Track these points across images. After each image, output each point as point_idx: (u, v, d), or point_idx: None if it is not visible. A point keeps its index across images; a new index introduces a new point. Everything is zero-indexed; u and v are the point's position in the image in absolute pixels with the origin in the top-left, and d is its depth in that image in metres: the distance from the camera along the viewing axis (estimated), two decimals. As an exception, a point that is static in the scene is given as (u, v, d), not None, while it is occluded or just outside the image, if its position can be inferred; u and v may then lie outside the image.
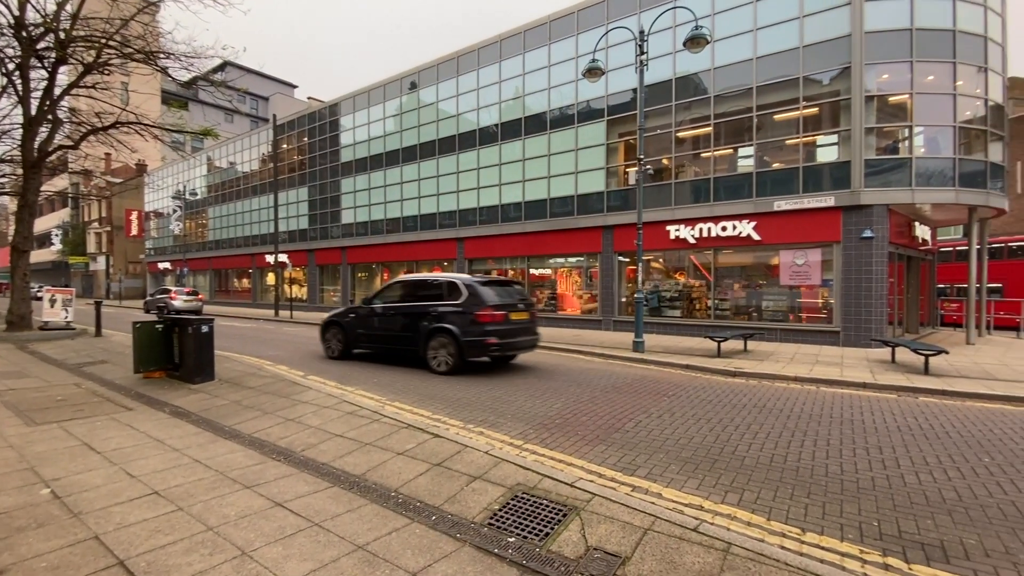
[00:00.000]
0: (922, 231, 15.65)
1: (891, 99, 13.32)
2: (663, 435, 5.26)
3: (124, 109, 14.05)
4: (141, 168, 44.69)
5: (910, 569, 2.79)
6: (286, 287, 31.00)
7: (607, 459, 4.54)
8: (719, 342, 11.26)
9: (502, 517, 3.30)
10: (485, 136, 21.16)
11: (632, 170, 16.85)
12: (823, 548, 3.00)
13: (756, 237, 14.49)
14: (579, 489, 3.63)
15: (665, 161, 16.71)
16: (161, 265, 42.67)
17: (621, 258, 17.61)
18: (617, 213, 17.28)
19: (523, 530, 3.12)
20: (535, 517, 3.27)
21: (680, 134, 16.34)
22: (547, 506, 3.41)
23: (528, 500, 3.51)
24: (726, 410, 6.39)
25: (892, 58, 12.89)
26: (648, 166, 16.78)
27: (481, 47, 21.23)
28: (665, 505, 3.53)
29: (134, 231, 45.90)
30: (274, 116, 27.59)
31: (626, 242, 16.78)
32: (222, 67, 41.77)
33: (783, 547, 2.97)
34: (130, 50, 12.52)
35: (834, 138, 13.70)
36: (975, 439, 5.22)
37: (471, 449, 4.47)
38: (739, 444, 4.97)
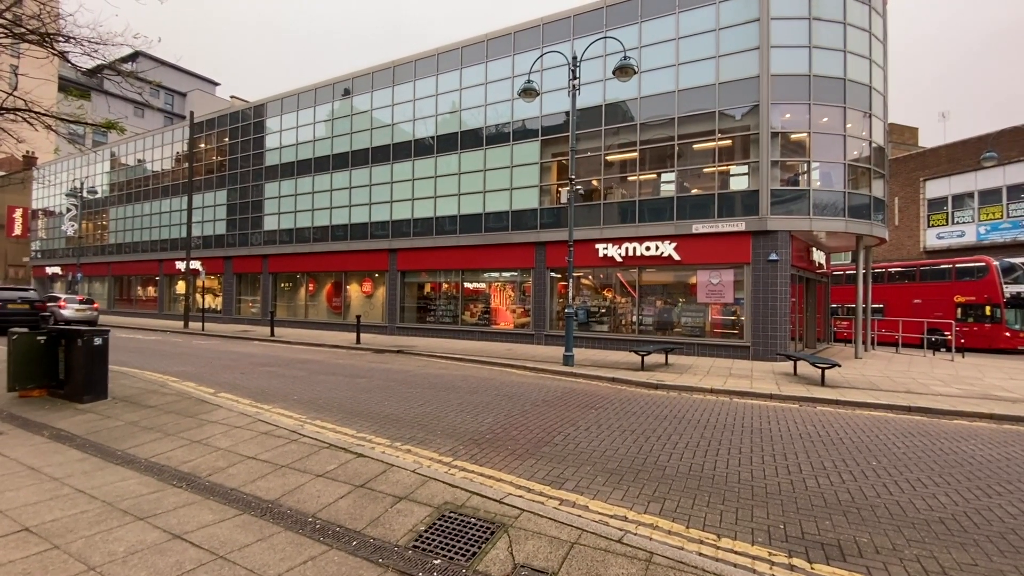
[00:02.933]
0: (818, 256, 17.37)
1: (793, 136, 14.76)
2: (590, 447, 5.37)
3: (11, 94, 12.48)
4: (29, 161, 39.81)
5: (812, 568, 3.01)
6: (199, 296, 28.65)
7: (536, 473, 4.55)
8: (643, 356, 11.75)
9: (428, 538, 3.19)
10: (421, 148, 20.97)
11: (564, 189, 17.34)
12: (736, 552, 3.16)
13: (677, 257, 15.38)
14: (508, 505, 3.59)
15: (595, 182, 17.38)
16: (50, 270, 38.02)
17: (553, 274, 17.98)
18: (550, 230, 17.68)
19: (450, 551, 3.03)
20: (463, 536, 3.19)
21: (609, 157, 17.10)
22: (475, 524, 3.34)
23: (456, 519, 3.42)
24: (649, 421, 6.65)
25: (794, 100, 14.33)
26: (579, 186, 17.40)
27: (418, 59, 21.14)
28: (592, 517, 3.58)
29: (17, 230, 40.65)
30: (191, 113, 25.74)
31: (558, 258, 17.18)
32: (133, 57, 38.50)
33: (701, 554, 3.10)
34: (22, 30, 11.18)
35: (745, 168, 14.94)
36: (864, 444, 5.79)
37: (398, 468, 4.31)
38: (661, 454, 5.17)
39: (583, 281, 17.99)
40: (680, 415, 7.13)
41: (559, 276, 17.85)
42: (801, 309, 16.62)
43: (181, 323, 24.66)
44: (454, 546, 3.08)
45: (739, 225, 14.46)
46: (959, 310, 20.02)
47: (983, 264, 20.00)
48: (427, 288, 21.62)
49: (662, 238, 15.68)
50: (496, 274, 19.71)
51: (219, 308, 28.29)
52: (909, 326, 19.36)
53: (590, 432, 6.00)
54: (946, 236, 27.03)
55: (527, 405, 7.54)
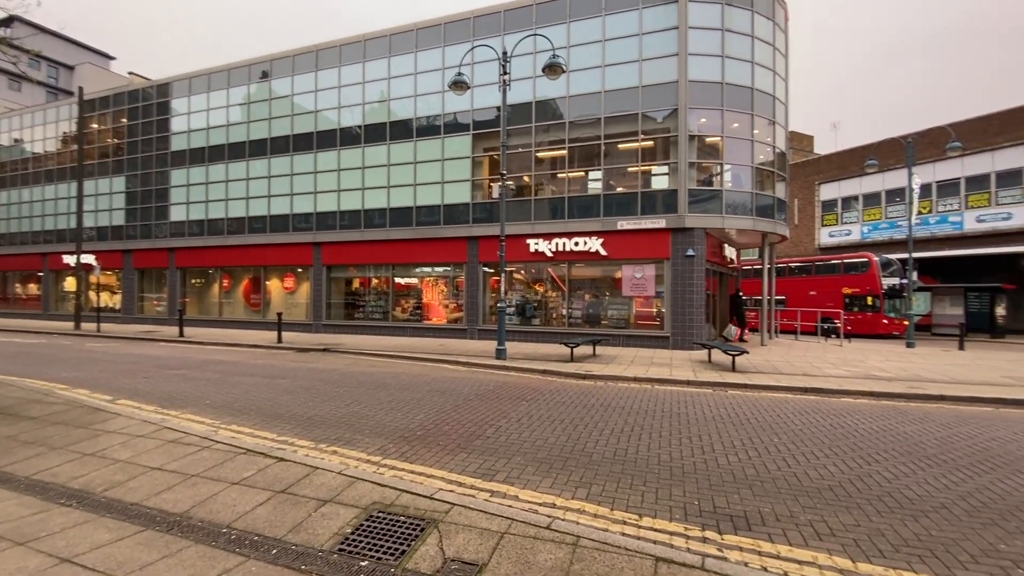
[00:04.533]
0: (730, 252, 18.75)
1: (708, 140, 15.78)
2: (521, 438, 5.46)
3: None
4: None
5: (723, 539, 3.26)
6: (93, 294, 25.75)
7: (468, 467, 4.56)
8: (572, 348, 12.10)
9: (355, 540, 3.10)
10: (348, 137, 20.15)
11: (496, 184, 17.42)
12: (656, 530, 3.36)
13: (603, 252, 15.97)
14: (438, 501, 3.57)
15: (526, 178, 17.60)
16: None
17: (486, 268, 18.02)
18: (482, 225, 17.68)
19: (378, 551, 2.96)
20: (391, 536, 3.13)
21: (540, 154, 17.37)
22: (405, 522, 3.29)
23: (384, 519, 3.35)
24: (577, 410, 6.88)
25: (709, 105, 15.30)
26: (511, 182, 17.54)
27: (343, 44, 20.27)
28: (522, 507, 3.65)
29: None
30: (80, 89, 22.99)
31: (490, 253, 17.23)
32: (7, 22, 33.85)
33: (624, 534, 3.26)
34: None
35: (665, 169, 15.77)
36: (768, 423, 6.35)
37: (322, 471, 4.14)
38: (588, 441, 5.37)
39: (516, 276, 18.19)
40: (606, 403, 7.44)
41: (492, 271, 17.92)
42: (715, 301, 17.86)
43: (71, 324, 22.07)
44: (382, 546, 3.01)
45: (660, 222, 15.26)
46: (847, 300, 22.44)
47: (865, 260, 22.55)
48: (355, 283, 20.87)
49: (590, 234, 16.20)
50: (428, 269, 19.43)
51: (118, 307, 25.62)
52: (806, 315, 21.41)
53: (521, 424, 6.10)
54: (836, 235, 30.17)
55: (459, 400, 7.52)
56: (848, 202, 29.74)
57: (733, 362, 11.01)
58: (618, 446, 5.22)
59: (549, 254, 16.73)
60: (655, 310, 15.90)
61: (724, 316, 19.19)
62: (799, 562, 2.97)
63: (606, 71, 16.11)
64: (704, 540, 3.22)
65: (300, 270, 21.49)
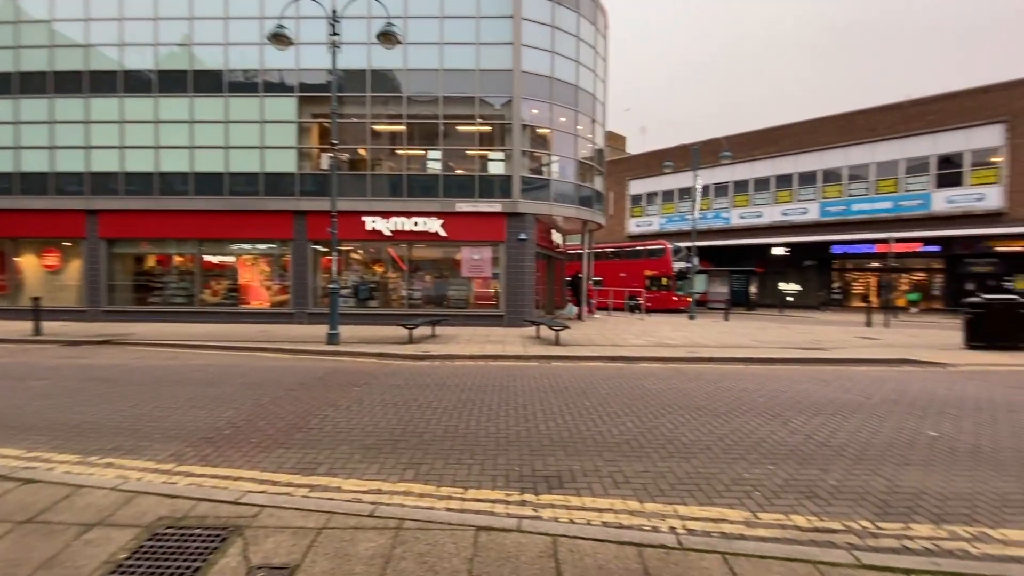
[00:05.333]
0: (557, 237, 20.39)
1: (539, 130, 16.77)
2: (350, 426, 5.21)
3: None
4: None
5: (538, 499, 3.55)
6: None
7: (285, 463, 4.18)
8: (410, 329, 11.96)
9: (133, 567, 2.61)
10: (135, 83, 16.57)
11: (327, 155, 16.12)
12: (480, 500, 3.51)
13: (443, 234, 16.01)
14: (246, 505, 3.21)
15: (362, 151, 16.64)
16: None
17: (317, 247, 16.66)
18: (312, 198, 16.25)
19: (163, 574, 2.54)
20: (182, 553, 2.71)
21: (376, 127, 16.54)
22: (200, 535, 2.88)
23: (174, 535, 2.88)
24: (412, 391, 6.83)
25: (540, 97, 16.23)
26: (345, 154, 16.40)
27: (125, -34, 16.48)
28: (344, 498, 3.48)
29: None
30: None
31: (321, 230, 15.94)
32: None
33: (449, 509, 3.33)
34: None
35: (502, 155, 16.36)
36: (582, 389, 7.11)
37: (90, 489, 3.40)
38: (420, 421, 5.37)
39: (353, 255, 17.20)
40: (441, 382, 7.52)
41: (325, 250, 16.63)
42: (544, 282, 19.31)
43: None
44: (169, 567, 2.59)
45: (496, 206, 15.83)
46: (648, 281, 26.26)
47: (661, 247, 26.63)
48: (149, 261, 17.55)
49: (430, 214, 16.05)
50: (248, 246, 17.24)
51: None
52: (618, 294, 24.47)
53: (350, 411, 5.82)
54: (642, 225, 34.94)
55: (280, 391, 6.87)
56: (651, 197, 34.63)
57: (557, 337, 12.05)
58: (449, 423, 5.32)
59: (388, 233, 16.16)
60: (493, 290, 16.55)
61: (552, 296, 20.87)
62: (599, 510, 3.39)
63: (444, 49, 15.93)
64: (523, 503, 3.47)
65: (68, 244, 17.22)
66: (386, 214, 16.12)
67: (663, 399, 6.59)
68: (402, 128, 16.32)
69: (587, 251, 20.13)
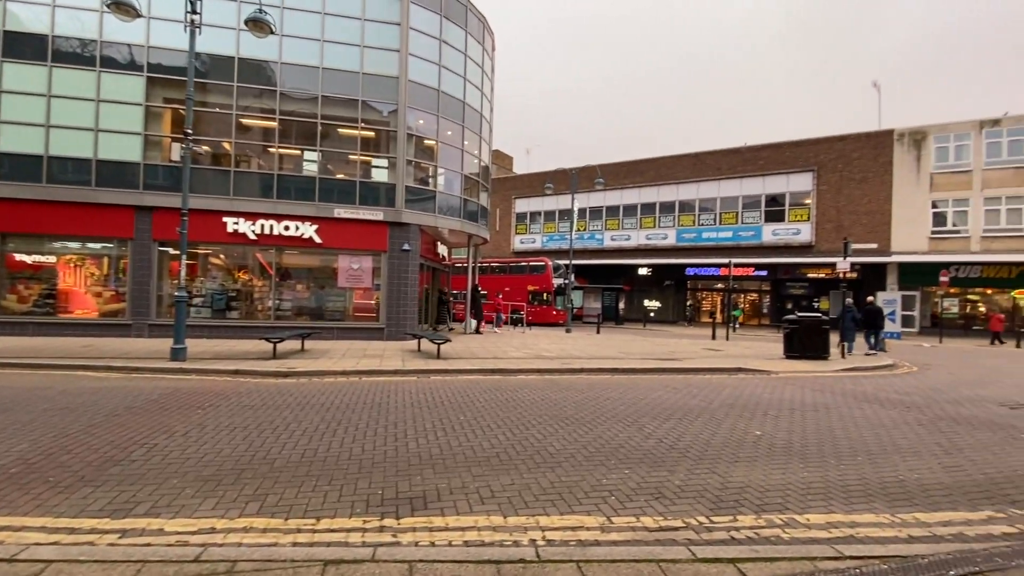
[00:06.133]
0: (442, 249, 20.29)
1: (426, 141, 16.62)
2: (184, 455, 4.52)
3: None
4: None
5: (399, 524, 3.36)
6: None
7: (91, 505, 3.47)
8: (275, 343, 10.92)
9: None
10: (-93, 33, 13.21)
11: (180, 145, 14.29)
12: (334, 531, 3.22)
13: (318, 240, 15.01)
14: (24, 562, 2.57)
15: (226, 146, 15.04)
16: None
17: (165, 248, 14.58)
18: (160, 193, 14.24)
19: None
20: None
21: (245, 120, 15.10)
22: (-55, 609, 2.23)
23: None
24: (268, 413, 6.18)
25: (427, 109, 16.11)
26: (206, 146, 14.71)
27: None
28: (165, 541, 2.97)
29: None
30: None
31: (170, 229, 14.03)
32: None
33: (296, 543, 3.00)
34: None
35: (385, 162, 15.89)
36: (458, 403, 7.03)
37: None
38: (274, 446, 4.85)
39: (212, 260, 15.36)
40: (305, 401, 6.93)
41: (176, 252, 14.60)
42: (427, 294, 19.01)
43: None
44: None
45: (378, 215, 15.27)
46: (530, 296, 27.21)
47: (543, 263, 27.85)
48: (-81, 258, 13.96)
49: (303, 219, 14.96)
50: (75, 244, 14.54)
51: None
52: (502, 308, 24.96)
53: (188, 438, 5.07)
54: (526, 242, 36.25)
55: (99, 417, 5.77)
56: (534, 216, 36.16)
57: (438, 350, 11.87)
58: (308, 446, 4.88)
59: (253, 236, 14.70)
60: (374, 302, 15.84)
61: (435, 309, 20.61)
62: (463, 528, 3.30)
63: (325, 47, 15.13)
64: (381, 529, 3.26)
65: None
66: (252, 216, 14.67)
67: (536, 410, 6.76)
68: (274, 124, 15.07)
69: (472, 265, 20.27)
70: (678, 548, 3.02)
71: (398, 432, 5.48)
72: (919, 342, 20.79)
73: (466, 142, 17.45)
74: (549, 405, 7.12)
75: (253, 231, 14.66)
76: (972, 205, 23.83)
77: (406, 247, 15.42)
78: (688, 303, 32.81)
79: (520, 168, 48.43)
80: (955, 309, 25.57)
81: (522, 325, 23.69)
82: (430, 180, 16.88)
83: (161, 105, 14.77)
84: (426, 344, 13.64)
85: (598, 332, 21.53)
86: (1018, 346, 19.55)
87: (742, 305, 31.28)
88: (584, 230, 33.47)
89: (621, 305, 31.11)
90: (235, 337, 14.30)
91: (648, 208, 31.65)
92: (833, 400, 8.01)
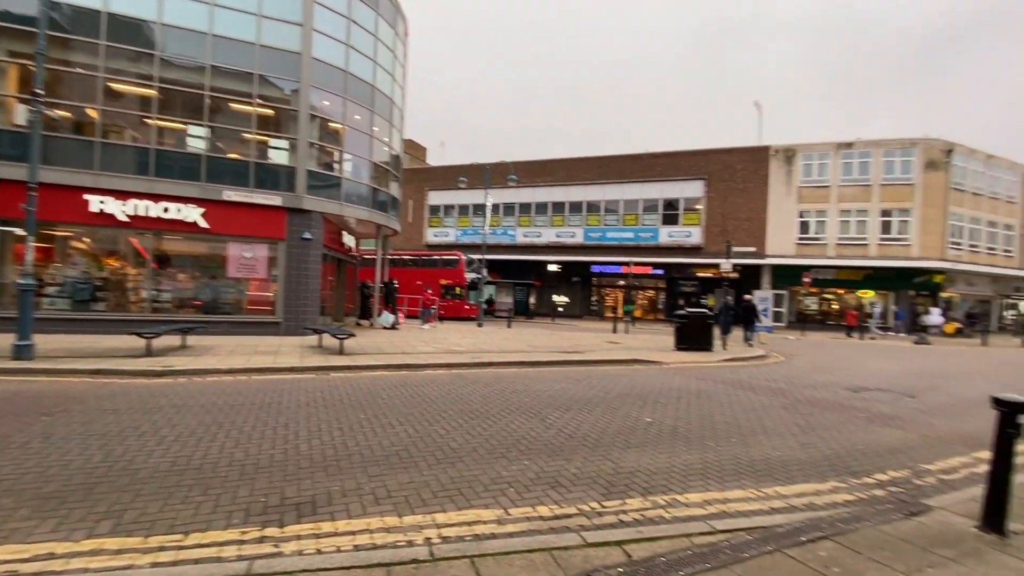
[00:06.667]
0: (349, 239, 19.36)
1: (331, 124, 15.71)
2: (20, 470, 3.85)
3: None
4: None
5: (283, 532, 3.11)
6: None
7: None
8: (149, 339, 9.73)
9: None
10: None
11: (29, 107, 12.22)
12: (204, 545, 2.91)
13: (204, 224, 13.61)
14: None
15: (92, 113, 13.10)
16: None
17: (9, 228, 12.34)
18: (3, 163, 12.05)
19: None
20: None
21: (115, 86, 13.25)
22: None
23: None
24: (135, 416, 5.47)
25: (332, 89, 15.22)
26: (63, 111, 12.70)
27: None
28: (-17, 575, 2.50)
29: None
30: None
31: (13, 206, 11.93)
32: None
33: (156, 564, 2.67)
34: None
35: (285, 143, 14.78)
36: (359, 401, 6.73)
37: None
38: (138, 455, 4.29)
39: (74, 244, 13.32)
40: (181, 403, 6.23)
41: (20, 233, 12.42)
42: (331, 286, 18.06)
43: None
44: None
45: (275, 199, 14.19)
46: (443, 290, 26.90)
47: (456, 257, 27.65)
48: None
49: (187, 200, 13.48)
50: None
51: None
52: (413, 301, 24.39)
53: (27, 449, 4.33)
54: (439, 235, 35.77)
55: (-98, 429, 4.74)
56: (448, 209, 35.79)
57: (341, 345, 11.30)
58: (180, 453, 4.38)
59: (124, 218, 12.98)
60: (271, 294, 14.70)
61: (341, 301, 19.64)
62: (354, 532, 3.14)
63: (217, 12, 13.69)
64: (262, 540, 3.00)
65: None
66: (122, 194, 12.92)
67: (441, 405, 6.67)
68: (153, 93, 13.37)
69: (381, 256, 19.54)
70: (570, 535, 3.12)
71: (288, 434, 5.12)
72: (786, 335, 23.57)
73: (376, 128, 16.75)
74: (455, 399, 7.07)
75: (124, 212, 12.91)
76: (829, 216, 27.45)
77: (307, 235, 14.47)
78: (594, 299, 34.39)
79: (434, 160, 47.62)
80: (815, 306, 29.35)
81: (434, 319, 23.32)
82: (336, 165, 16.00)
83: (6, 59, 12.49)
84: (328, 339, 12.94)
85: (509, 326, 21.83)
86: (861, 338, 22.91)
87: (640, 301, 33.41)
88: (498, 226, 33.74)
89: (532, 300, 31.83)
90: (102, 332, 12.52)
91: (558, 207, 32.63)
92: (714, 388, 8.81)
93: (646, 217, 30.69)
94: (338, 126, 15.72)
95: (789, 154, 28.12)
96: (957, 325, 24.99)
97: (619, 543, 3.02)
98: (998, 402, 3.20)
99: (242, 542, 2.97)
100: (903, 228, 26.25)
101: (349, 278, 21.15)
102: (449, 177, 34.21)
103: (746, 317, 16.69)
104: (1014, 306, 30.85)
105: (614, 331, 20.33)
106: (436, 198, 35.98)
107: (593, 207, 31.85)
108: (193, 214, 13.44)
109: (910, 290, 26.88)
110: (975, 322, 26.39)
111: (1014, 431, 3.15)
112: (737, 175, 28.89)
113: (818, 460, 4.98)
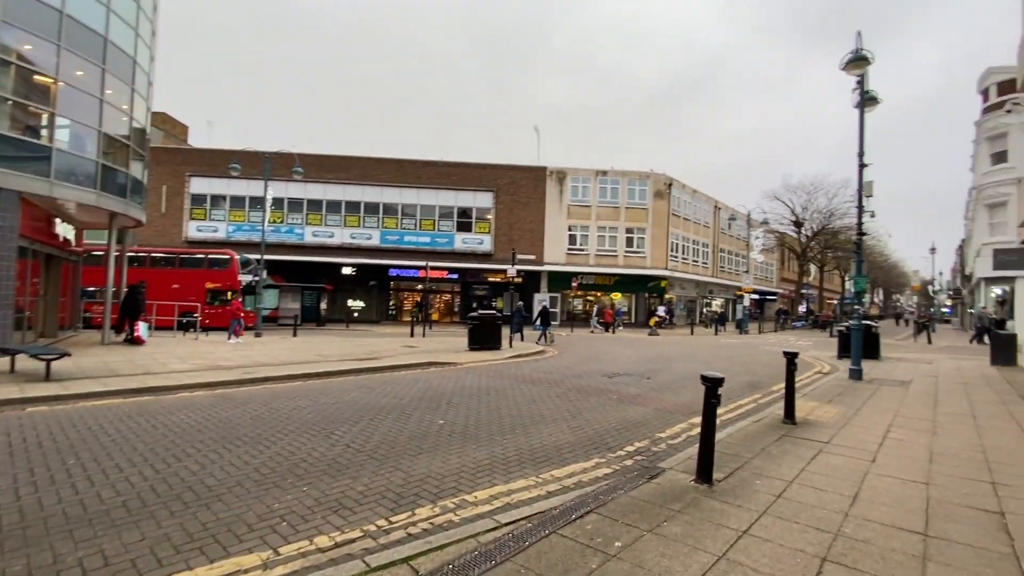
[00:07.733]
0: (65, 229, 14.85)
1: (36, 77, 11.86)
2: None
3: None
4: None
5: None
6: None
7: None
8: None
9: None
10: None
11: None
12: None
13: None
14: None
15: None
16: None
17: None
18: None
19: None
20: None
21: None
22: None
23: None
24: None
25: (39, 31, 11.52)
26: None
27: None
28: None
29: None
30: None
31: None
32: None
33: None
34: None
35: (-50, 91, 10.58)
36: (68, 444, 5.10)
37: None
38: None
39: None
40: None
41: None
42: (36, 291, 13.62)
43: None
44: None
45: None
46: (209, 295, 22.84)
47: (228, 257, 23.82)
48: None
49: None
50: None
51: None
52: (164, 309, 20.09)
53: None
54: (204, 229, 30.39)
55: None
56: (217, 200, 30.67)
57: (48, 369, 8.54)
58: None
59: None
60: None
61: (53, 310, 14.96)
62: (40, 627, 2.29)
63: None
64: None
65: None
66: None
67: (196, 434, 5.52)
68: None
69: (115, 252, 15.45)
70: (351, 563, 2.84)
71: (-66, 502, 3.54)
72: (558, 332, 26.85)
73: (109, 91, 13.22)
74: (217, 425, 5.94)
75: None
76: (591, 231, 32.50)
77: (-9, 222, 10.56)
78: (391, 303, 33.64)
79: (199, 141, 40.30)
80: (581, 307, 34.22)
81: (195, 330, 19.55)
82: (43, 131, 12.12)
83: None
84: (28, 362, 9.64)
85: (295, 335, 19.74)
86: (614, 332, 27.52)
87: (436, 304, 34.05)
88: (281, 222, 30.27)
89: (323, 305, 29.40)
90: None
91: (353, 207, 30.98)
92: (501, 384, 9.39)
93: (442, 223, 31.44)
94: (48, 80, 11.92)
95: (561, 176, 32.27)
96: (657, 319, 31.88)
97: (406, 560, 2.87)
98: (704, 379, 4.08)
99: None
100: (640, 243, 32.82)
101: (66, 280, 16.27)
102: (218, 162, 29.33)
103: (542, 318, 19.47)
104: (709, 304, 41.12)
105: (411, 335, 20.17)
106: (201, 186, 30.38)
107: (390, 209, 31.18)
108: None
109: (645, 292, 33.61)
110: (672, 316, 34.27)
111: (716, 400, 4.05)
112: (521, 190, 31.83)
113: (584, 441, 5.66)
